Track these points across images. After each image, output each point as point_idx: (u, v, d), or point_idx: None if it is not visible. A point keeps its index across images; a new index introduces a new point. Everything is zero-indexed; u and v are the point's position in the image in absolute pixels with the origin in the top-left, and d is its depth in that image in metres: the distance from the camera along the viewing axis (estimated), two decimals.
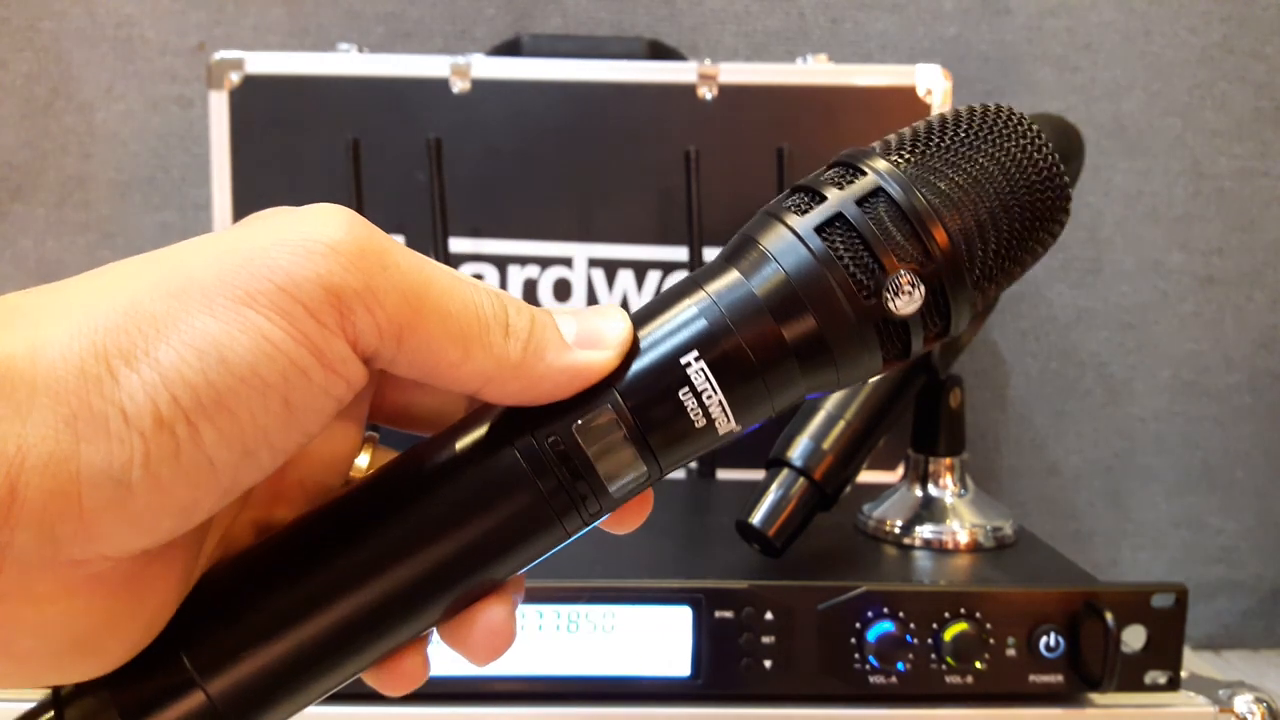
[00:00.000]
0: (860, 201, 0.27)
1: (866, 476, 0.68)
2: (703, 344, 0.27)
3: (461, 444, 0.28)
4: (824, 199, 0.28)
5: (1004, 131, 0.29)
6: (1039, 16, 0.95)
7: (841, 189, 0.28)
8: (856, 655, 0.56)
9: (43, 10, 0.93)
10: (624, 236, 0.83)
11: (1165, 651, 0.57)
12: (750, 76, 0.83)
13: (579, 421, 0.27)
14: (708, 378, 0.27)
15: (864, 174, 0.28)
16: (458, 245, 0.82)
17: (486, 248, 0.83)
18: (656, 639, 0.56)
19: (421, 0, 0.94)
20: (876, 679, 0.56)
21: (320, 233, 0.24)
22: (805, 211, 0.28)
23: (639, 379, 0.27)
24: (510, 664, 0.54)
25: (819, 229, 0.27)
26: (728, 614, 0.56)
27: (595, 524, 0.29)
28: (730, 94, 0.82)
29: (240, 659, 0.26)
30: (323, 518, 0.28)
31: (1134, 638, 0.57)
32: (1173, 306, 0.98)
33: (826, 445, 0.61)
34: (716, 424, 0.27)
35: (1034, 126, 0.29)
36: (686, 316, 0.28)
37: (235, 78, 0.82)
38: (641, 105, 0.82)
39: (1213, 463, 0.99)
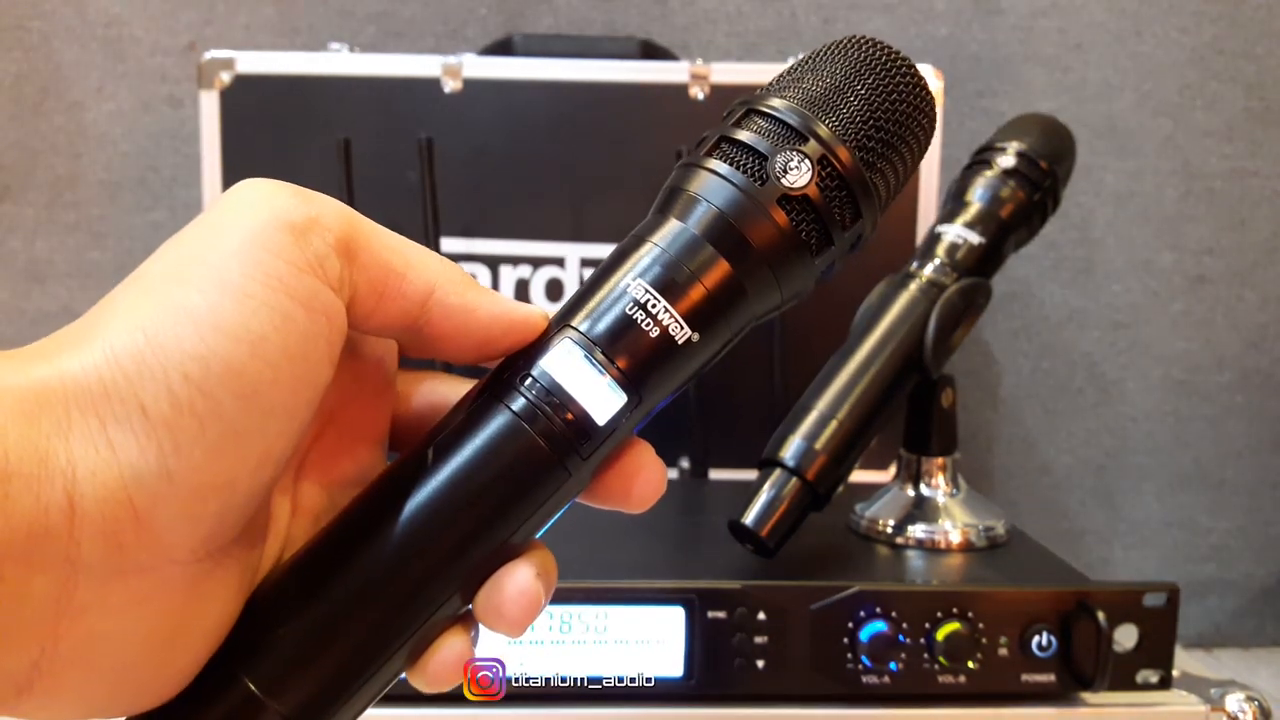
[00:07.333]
0: (737, 123, 0.32)
1: (859, 476, 0.68)
2: (640, 269, 0.30)
3: (455, 416, 0.29)
4: (706, 138, 0.32)
5: (845, 46, 0.33)
6: (1030, 17, 0.95)
7: (721, 123, 0.32)
8: (849, 655, 0.56)
9: (32, 10, 0.93)
10: (616, 236, 0.81)
11: (1157, 650, 0.57)
12: (742, 76, 0.83)
13: (546, 354, 0.29)
14: (646, 289, 0.30)
15: (738, 108, 0.32)
16: (449, 245, 0.82)
17: (478, 248, 0.83)
18: (649, 640, 0.56)
19: (413, 0, 0.94)
20: (869, 679, 0.56)
21: (257, 191, 0.27)
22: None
23: (591, 310, 0.30)
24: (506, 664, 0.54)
25: (708, 153, 0.31)
26: (721, 614, 0.56)
27: (595, 460, 0.29)
28: (722, 94, 0.82)
29: (298, 671, 0.26)
30: (342, 519, 0.29)
31: (1126, 637, 0.57)
32: (1164, 306, 0.98)
33: (819, 445, 0.61)
34: (670, 331, 0.29)
35: (870, 39, 0.34)
36: (617, 258, 0.31)
37: (226, 77, 0.81)
38: (633, 105, 0.82)
39: (1204, 462, 0.99)
